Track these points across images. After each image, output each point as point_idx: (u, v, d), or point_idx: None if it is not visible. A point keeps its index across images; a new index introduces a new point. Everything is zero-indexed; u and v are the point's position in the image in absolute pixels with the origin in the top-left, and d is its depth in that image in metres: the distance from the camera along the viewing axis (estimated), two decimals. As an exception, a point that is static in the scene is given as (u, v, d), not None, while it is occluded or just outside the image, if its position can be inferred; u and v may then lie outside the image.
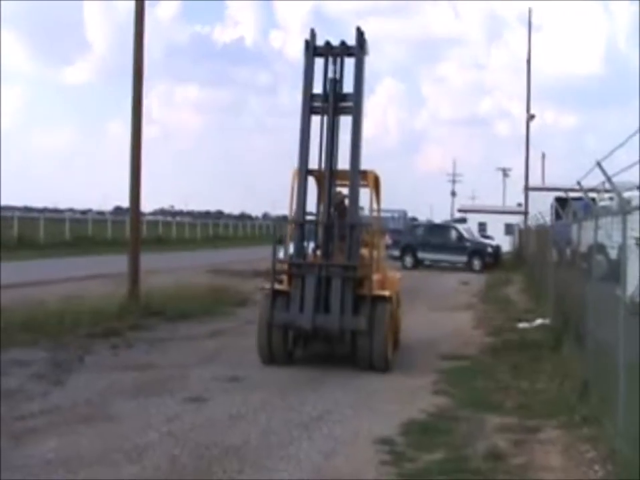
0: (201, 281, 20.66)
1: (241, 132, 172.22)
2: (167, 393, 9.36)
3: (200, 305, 16.72)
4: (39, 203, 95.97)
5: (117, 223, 50.77)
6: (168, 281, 18.91)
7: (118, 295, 15.74)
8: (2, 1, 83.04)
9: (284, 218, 12.23)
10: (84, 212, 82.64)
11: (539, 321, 16.05)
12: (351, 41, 11.52)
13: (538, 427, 8.12)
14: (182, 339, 13.43)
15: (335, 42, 11.58)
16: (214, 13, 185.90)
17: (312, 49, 11.55)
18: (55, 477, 6.38)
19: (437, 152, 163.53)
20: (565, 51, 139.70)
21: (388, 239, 31.95)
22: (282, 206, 11.71)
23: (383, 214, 14.45)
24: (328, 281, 10.89)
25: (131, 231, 17.39)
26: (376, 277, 11.35)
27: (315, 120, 11.43)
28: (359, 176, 11.29)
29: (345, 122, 11.44)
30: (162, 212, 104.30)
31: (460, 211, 62.45)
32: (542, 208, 25.33)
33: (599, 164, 7.98)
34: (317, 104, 11.47)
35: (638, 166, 6.80)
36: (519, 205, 53.28)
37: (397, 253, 35.80)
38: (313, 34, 11.61)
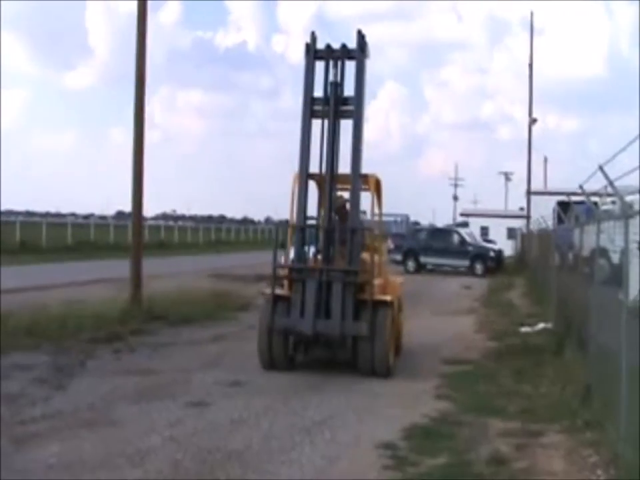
0: (203, 285, 20.65)
1: (243, 136, 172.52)
2: (169, 397, 9.36)
3: (202, 310, 16.72)
4: (41, 208, 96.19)
5: (119, 227, 50.82)
6: (170, 285, 18.92)
7: (120, 300, 15.74)
8: (6, 6, 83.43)
9: (285, 222, 12.18)
10: (86, 216, 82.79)
11: (541, 325, 16.04)
12: (352, 44, 11.46)
13: (540, 432, 8.11)
14: (184, 344, 13.42)
15: (337, 46, 11.52)
16: (216, 18, 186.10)
17: (313, 52, 11.49)
18: (57, 481, 6.37)
19: (439, 156, 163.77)
20: (567, 55, 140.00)
21: (390, 244, 31.98)
22: (284, 210, 11.72)
23: (385, 218, 14.46)
24: (329, 285, 10.83)
25: (133, 236, 17.39)
26: (377, 281, 11.28)
27: (316, 124, 11.38)
28: (360, 180, 11.23)
29: (346, 125, 11.39)
30: (164, 216, 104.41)
31: (462, 215, 62.49)
32: (544, 212, 25.34)
33: (601, 168, 7.98)
34: (317, 107, 11.41)
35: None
36: (521, 209, 53.28)
37: (399, 257, 35.83)
38: (313, 37, 11.55)
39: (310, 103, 11.39)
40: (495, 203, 79.26)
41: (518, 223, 49.73)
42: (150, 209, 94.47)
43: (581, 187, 10.32)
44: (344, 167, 11.28)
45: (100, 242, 46.25)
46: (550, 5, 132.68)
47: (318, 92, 11.48)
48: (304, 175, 11.30)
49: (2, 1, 76.81)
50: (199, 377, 10.61)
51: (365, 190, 11.64)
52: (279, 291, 11.17)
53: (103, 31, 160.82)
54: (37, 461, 6.80)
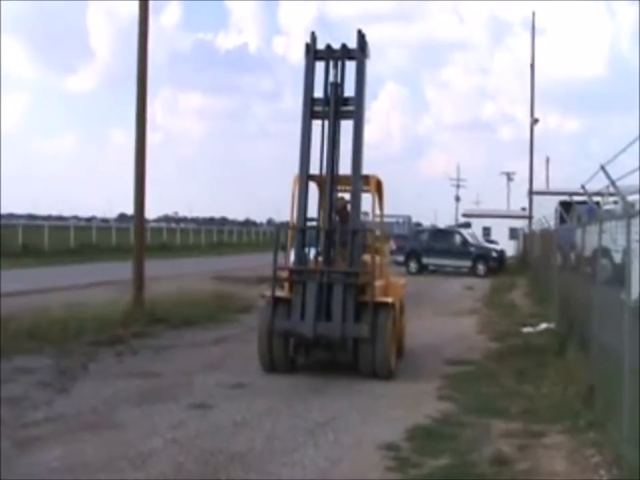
0: (205, 287, 20.65)
1: (244, 138, 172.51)
2: (172, 399, 9.36)
3: (204, 312, 16.72)
4: (43, 211, 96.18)
5: (121, 230, 50.89)
6: (172, 287, 18.91)
7: (122, 302, 15.74)
8: (7, 9, 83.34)
9: (286, 224, 12.14)
10: (88, 219, 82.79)
11: (543, 326, 16.03)
12: (353, 44, 11.39)
13: (543, 432, 8.10)
14: (186, 346, 13.42)
15: (337, 46, 11.45)
16: (217, 20, 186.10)
17: (313, 53, 11.43)
18: (60, 484, 6.38)
19: (440, 157, 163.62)
20: (568, 55, 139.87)
21: (392, 245, 31.99)
22: (286, 212, 11.66)
23: (387, 219, 14.41)
24: (329, 287, 10.78)
25: (135, 238, 17.39)
26: (379, 283, 11.24)
27: (316, 125, 11.33)
28: (360, 181, 11.16)
29: (347, 126, 11.33)
30: (166, 218, 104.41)
31: (464, 215, 62.50)
32: (546, 212, 25.34)
33: (603, 168, 7.98)
34: (317, 108, 11.35)
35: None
36: (523, 209, 53.34)
37: (401, 258, 35.83)
38: (313, 37, 11.49)
39: (310, 103, 11.34)
40: (497, 203, 79.21)
41: (520, 223, 49.78)
42: (152, 211, 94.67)
43: (583, 187, 10.32)
44: (345, 168, 11.23)
45: (102, 244, 46.29)
46: (551, 5, 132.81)
47: (318, 92, 11.43)
48: (304, 177, 11.24)
49: (2, 4, 76.89)
50: (201, 379, 10.61)
51: (366, 191, 11.56)
52: (279, 293, 11.12)
53: (104, 33, 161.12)
54: (40, 464, 6.80)
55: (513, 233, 51.88)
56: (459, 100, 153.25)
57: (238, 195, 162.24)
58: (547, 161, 69.79)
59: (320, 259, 11.23)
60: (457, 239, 37.20)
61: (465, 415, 8.84)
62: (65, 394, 9.50)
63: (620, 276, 7.75)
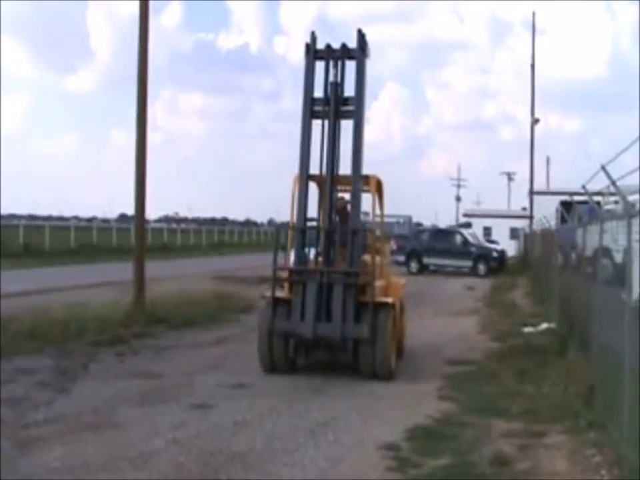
0: (206, 288, 20.65)
1: (245, 138, 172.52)
2: (173, 400, 9.36)
3: (205, 312, 16.72)
4: (44, 211, 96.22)
5: (121, 230, 50.89)
6: (173, 288, 18.92)
7: (123, 303, 15.75)
8: (8, 11, 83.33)
9: (286, 224, 12.11)
10: (89, 220, 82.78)
11: (544, 326, 16.03)
12: (353, 44, 11.37)
13: (543, 432, 8.10)
14: (187, 347, 13.43)
15: (337, 45, 11.42)
16: (218, 20, 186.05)
17: (312, 52, 11.40)
18: (61, 485, 6.38)
19: (441, 157, 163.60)
20: (569, 55, 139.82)
21: (393, 245, 31.99)
22: (287, 212, 11.63)
23: (387, 219, 14.38)
24: (329, 288, 10.74)
25: (136, 238, 17.39)
26: (379, 283, 11.20)
27: (316, 124, 11.30)
28: (360, 181, 11.13)
29: (347, 126, 11.31)
30: (167, 219, 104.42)
31: (465, 215, 62.53)
32: (547, 212, 25.35)
33: (603, 168, 7.98)
34: (317, 108, 11.33)
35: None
36: (524, 209, 53.39)
37: (402, 258, 35.83)
38: (313, 37, 11.47)
39: (310, 103, 11.31)
40: (498, 203, 79.19)
41: (521, 223, 49.80)
42: (153, 212, 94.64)
43: (583, 186, 10.32)
44: (345, 168, 11.21)
45: (103, 245, 46.28)
46: (552, 5, 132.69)
47: (318, 92, 11.40)
48: (304, 177, 11.21)
49: (3, 4, 76.90)
50: (201, 380, 10.61)
51: (366, 191, 11.54)
52: (279, 294, 11.10)
53: (104, 33, 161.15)
54: (41, 465, 6.80)
55: (514, 233, 51.88)
56: (460, 100, 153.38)
57: (239, 195, 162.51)
58: (548, 160, 69.89)
59: (320, 259, 11.19)
60: (458, 239, 37.21)
61: (465, 415, 8.84)
62: (66, 394, 9.50)
63: (621, 276, 7.75)
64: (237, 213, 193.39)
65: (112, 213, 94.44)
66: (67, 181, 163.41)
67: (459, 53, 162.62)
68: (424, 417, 8.70)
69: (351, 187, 11.13)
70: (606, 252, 9.29)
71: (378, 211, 12.13)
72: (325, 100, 11.32)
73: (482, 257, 36.38)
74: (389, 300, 11.12)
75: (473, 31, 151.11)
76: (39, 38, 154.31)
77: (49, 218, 76.01)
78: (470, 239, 37.53)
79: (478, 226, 51.54)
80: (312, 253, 11.52)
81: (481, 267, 35.94)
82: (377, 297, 10.83)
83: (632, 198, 8.11)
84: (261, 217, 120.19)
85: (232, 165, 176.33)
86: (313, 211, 11.62)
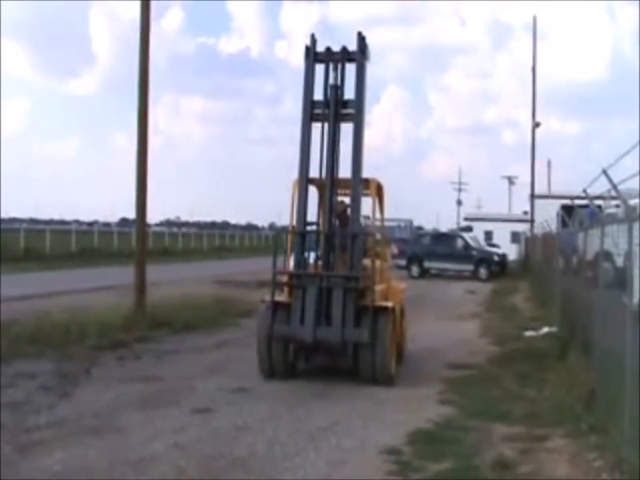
0: (207, 291, 20.64)
1: (246, 142, 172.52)
2: (174, 404, 9.36)
3: (206, 316, 16.72)
4: (45, 215, 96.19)
5: (122, 234, 50.87)
6: (174, 292, 18.90)
7: (124, 307, 15.74)
8: (10, 14, 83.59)
9: (285, 228, 12.08)
10: (90, 223, 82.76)
11: (545, 329, 16.02)
12: (353, 47, 11.30)
13: (545, 436, 8.09)
14: (188, 351, 13.43)
15: (337, 48, 11.37)
16: (219, 24, 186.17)
17: (312, 55, 11.36)
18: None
19: (442, 160, 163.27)
20: (570, 58, 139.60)
21: (394, 249, 31.98)
22: (288, 216, 11.59)
23: (388, 223, 14.36)
24: (329, 292, 10.69)
25: (137, 242, 17.39)
26: (379, 287, 11.14)
27: (316, 128, 11.25)
28: (360, 184, 11.07)
29: (347, 129, 11.26)
30: (168, 223, 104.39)
31: (466, 219, 62.46)
32: (548, 216, 25.34)
33: (604, 172, 7.99)
34: (317, 111, 11.28)
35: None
36: (525, 212, 53.33)
37: (403, 262, 35.81)
38: (313, 39, 11.43)
39: (310, 106, 11.27)
40: (499, 207, 79.29)
41: (522, 227, 49.77)
42: (154, 216, 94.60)
43: (584, 190, 10.33)
44: (345, 171, 11.15)
45: (104, 249, 46.26)
46: (553, 8, 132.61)
47: (318, 95, 11.36)
48: (304, 180, 11.15)
49: (5, 8, 77.01)
50: (202, 384, 10.61)
51: (366, 195, 11.48)
52: (278, 298, 11.04)
53: (105, 37, 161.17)
54: (42, 469, 6.80)
55: (515, 237, 51.87)
56: (461, 103, 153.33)
57: (240, 199, 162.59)
58: (549, 164, 69.73)
59: (320, 263, 11.14)
60: (459, 242, 37.22)
61: (466, 419, 8.84)
62: (67, 398, 9.50)
63: (622, 279, 7.75)
64: (238, 217, 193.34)
65: (113, 217, 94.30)
66: (68, 185, 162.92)
67: (460, 57, 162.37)
68: (425, 421, 8.70)
69: (351, 190, 11.07)
70: (607, 256, 9.30)
71: (378, 215, 12.09)
72: (325, 103, 11.28)
73: (483, 261, 36.39)
74: (389, 304, 11.06)
75: (474, 35, 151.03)
76: (40, 41, 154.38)
77: (50, 222, 75.98)
78: (471, 242, 37.54)
79: (479, 230, 51.51)
80: (312, 256, 11.47)
81: (482, 271, 35.93)
82: (377, 301, 10.77)
83: (633, 202, 8.14)
84: (262, 221, 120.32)
85: (233, 168, 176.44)
86: (313, 214, 11.59)
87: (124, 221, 76.84)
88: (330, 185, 11.11)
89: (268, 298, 11.11)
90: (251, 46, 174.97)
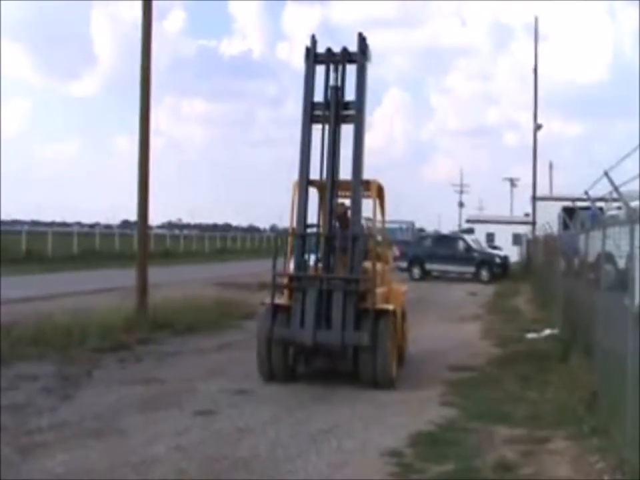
0: (209, 294, 20.64)
1: (248, 144, 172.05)
2: (176, 406, 9.36)
3: (207, 318, 16.75)
4: (47, 217, 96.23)
5: (124, 236, 50.92)
6: (175, 294, 18.90)
7: (126, 309, 15.75)
8: (11, 14, 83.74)
9: (285, 231, 12.04)
10: (91, 225, 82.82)
11: (547, 331, 16.02)
12: (354, 48, 11.26)
13: (547, 438, 8.09)
14: (190, 353, 13.43)
15: (338, 49, 11.34)
16: (221, 26, 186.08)
17: (313, 56, 11.32)
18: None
19: (444, 162, 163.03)
20: (571, 60, 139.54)
21: (395, 251, 31.97)
22: (289, 218, 11.55)
23: (390, 225, 14.31)
24: (329, 294, 10.62)
25: (139, 244, 17.43)
26: (380, 290, 11.08)
27: (317, 129, 11.21)
28: (361, 186, 11.02)
29: (347, 131, 11.21)
30: (170, 225, 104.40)
31: (467, 221, 62.36)
32: (549, 218, 25.37)
33: (606, 174, 7.99)
34: (318, 112, 11.24)
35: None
36: (527, 215, 53.25)
37: (404, 264, 35.78)
38: (313, 40, 11.40)
39: (310, 107, 11.22)
40: (501, 209, 79.03)
41: (523, 229, 49.73)
42: (155, 218, 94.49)
43: (586, 192, 10.33)
44: (345, 173, 11.11)
45: (105, 251, 46.31)
46: (554, 10, 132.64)
47: (318, 97, 11.33)
48: (304, 182, 11.12)
49: (6, 10, 77.14)
50: (204, 386, 10.61)
51: (367, 196, 11.42)
52: (278, 300, 10.98)
53: (107, 38, 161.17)
54: (44, 471, 6.81)
55: (517, 239, 51.81)
56: (462, 105, 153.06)
57: (242, 201, 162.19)
58: (550, 166, 69.68)
59: (320, 265, 11.08)
60: (461, 244, 37.19)
61: (468, 421, 8.83)
62: (69, 400, 9.51)
63: (623, 281, 7.74)
64: (240, 219, 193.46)
65: (114, 219, 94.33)
66: (69, 186, 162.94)
67: (461, 59, 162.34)
68: (427, 423, 8.69)
69: (352, 192, 11.01)
70: (608, 258, 9.29)
71: (379, 217, 12.06)
72: (325, 104, 11.24)
73: (485, 263, 36.35)
74: (390, 307, 11.01)
75: (475, 37, 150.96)
76: (41, 42, 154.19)
77: (51, 224, 76.08)
78: (473, 244, 37.51)
79: (481, 232, 51.43)
80: (312, 259, 11.44)
81: (484, 273, 35.89)
82: (377, 304, 10.71)
83: (634, 204, 8.13)
84: (264, 223, 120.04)
85: (235, 170, 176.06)
86: (313, 216, 11.52)
87: (125, 223, 76.84)
88: (330, 186, 11.07)
89: (268, 300, 11.06)
90: (253, 48, 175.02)
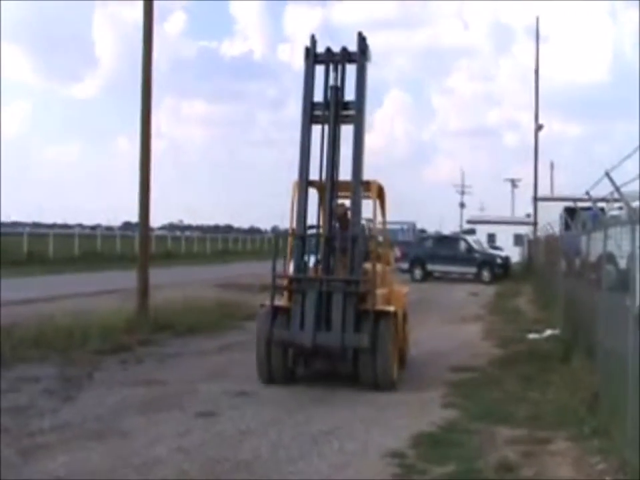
0: (210, 295, 20.66)
1: (249, 145, 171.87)
2: (177, 408, 9.36)
3: (208, 320, 16.75)
4: (48, 219, 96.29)
5: (125, 238, 50.92)
6: (177, 295, 18.90)
7: (127, 310, 15.76)
8: (12, 16, 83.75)
9: (285, 232, 12.00)
10: (93, 227, 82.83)
11: (548, 332, 16.01)
12: (354, 48, 11.22)
13: (548, 439, 8.08)
14: (191, 354, 13.43)
15: (338, 49, 11.31)
16: (222, 28, 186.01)
17: (312, 56, 11.28)
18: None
19: (445, 163, 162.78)
20: (572, 60, 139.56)
21: (397, 252, 31.96)
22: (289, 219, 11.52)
23: (391, 226, 14.27)
24: (329, 296, 10.54)
25: (140, 246, 17.44)
26: (380, 291, 11.03)
27: (316, 130, 11.17)
28: (361, 187, 10.96)
29: (347, 131, 11.17)
30: (171, 226, 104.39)
31: (469, 222, 62.33)
32: (551, 218, 25.31)
33: (607, 174, 7.99)
34: (317, 112, 11.19)
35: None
36: (528, 215, 53.23)
37: (406, 265, 35.76)
38: (313, 40, 11.35)
39: (310, 108, 11.18)
40: (502, 209, 78.90)
41: (525, 230, 49.69)
42: (156, 219, 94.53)
43: (587, 193, 10.32)
44: (345, 173, 11.07)
45: (106, 253, 46.35)
46: (555, 11, 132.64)
47: (318, 97, 11.29)
48: (304, 183, 11.07)
49: (7, 11, 77.09)
50: (205, 388, 10.60)
51: (367, 197, 11.37)
52: (278, 302, 10.93)
53: (108, 40, 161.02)
54: (45, 473, 6.81)
55: (518, 240, 51.78)
56: (464, 106, 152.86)
57: (243, 202, 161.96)
58: (552, 166, 69.64)
59: (320, 266, 11.01)
60: (462, 245, 37.19)
61: (470, 422, 8.82)
62: (70, 402, 9.51)
63: (625, 282, 7.74)
64: (241, 220, 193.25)
65: (116, 221, 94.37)
66: (70, 188, 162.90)
67: (463, 60, 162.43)
68: (428, 424, 8.69)
69: (352, 192, 10.95)
70: (610, 258, 9.29)
71: (380, 217, 12.02)
72: (325, 104, 11.19)
73: (486, 264, 36.36)
74: (390, 308, 10.94)
75: (476, 38, 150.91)
76: (42, 44, 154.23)
77: (53, 225, 76.10)
78: (474, 245, 37.50)
79: (482, 232, 51.37)
80: (312, 260, 11.41)
81: (485, 274, 35.90)
82: (378, 306, 10.66)
83: (636, 204, 8.11)
84: (265, 224, 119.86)
85: (236, 172, 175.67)
86: (313, 217, 11.48)
87: (127, 225, 76.86)
88: (330, 187, 11.02)
89: (267, 302, 11.00)
90: (254, 49, 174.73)
